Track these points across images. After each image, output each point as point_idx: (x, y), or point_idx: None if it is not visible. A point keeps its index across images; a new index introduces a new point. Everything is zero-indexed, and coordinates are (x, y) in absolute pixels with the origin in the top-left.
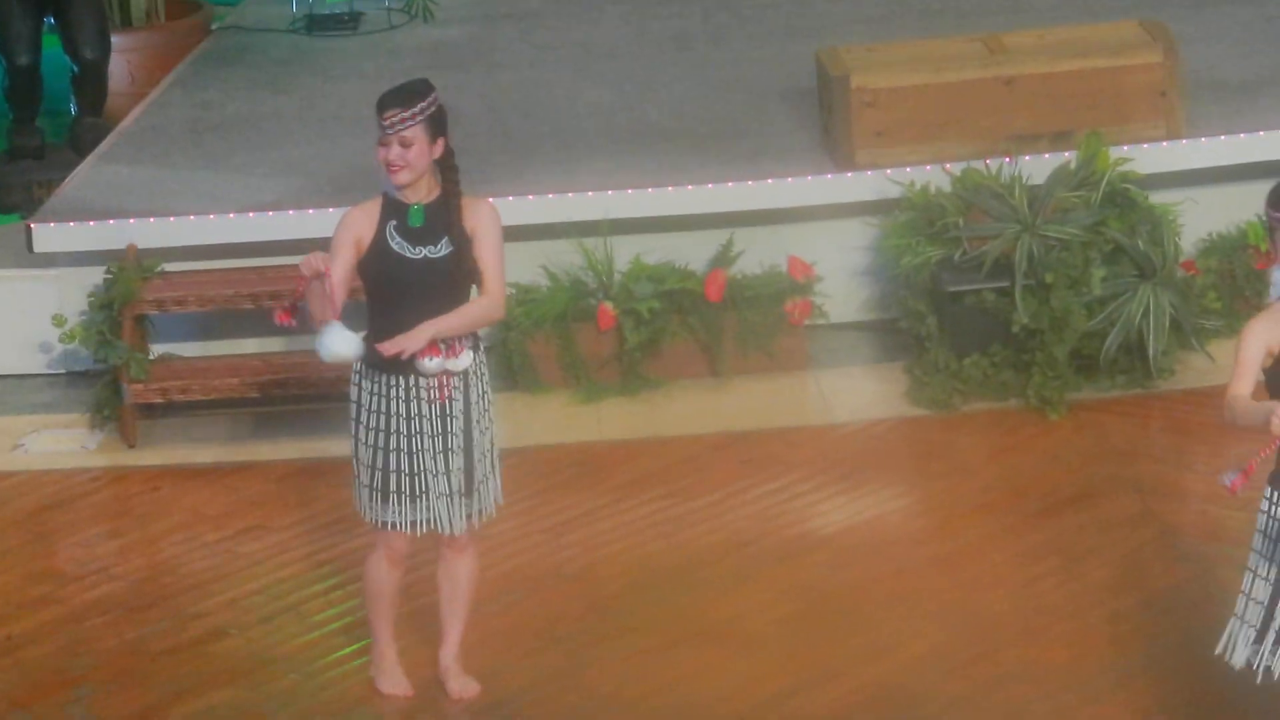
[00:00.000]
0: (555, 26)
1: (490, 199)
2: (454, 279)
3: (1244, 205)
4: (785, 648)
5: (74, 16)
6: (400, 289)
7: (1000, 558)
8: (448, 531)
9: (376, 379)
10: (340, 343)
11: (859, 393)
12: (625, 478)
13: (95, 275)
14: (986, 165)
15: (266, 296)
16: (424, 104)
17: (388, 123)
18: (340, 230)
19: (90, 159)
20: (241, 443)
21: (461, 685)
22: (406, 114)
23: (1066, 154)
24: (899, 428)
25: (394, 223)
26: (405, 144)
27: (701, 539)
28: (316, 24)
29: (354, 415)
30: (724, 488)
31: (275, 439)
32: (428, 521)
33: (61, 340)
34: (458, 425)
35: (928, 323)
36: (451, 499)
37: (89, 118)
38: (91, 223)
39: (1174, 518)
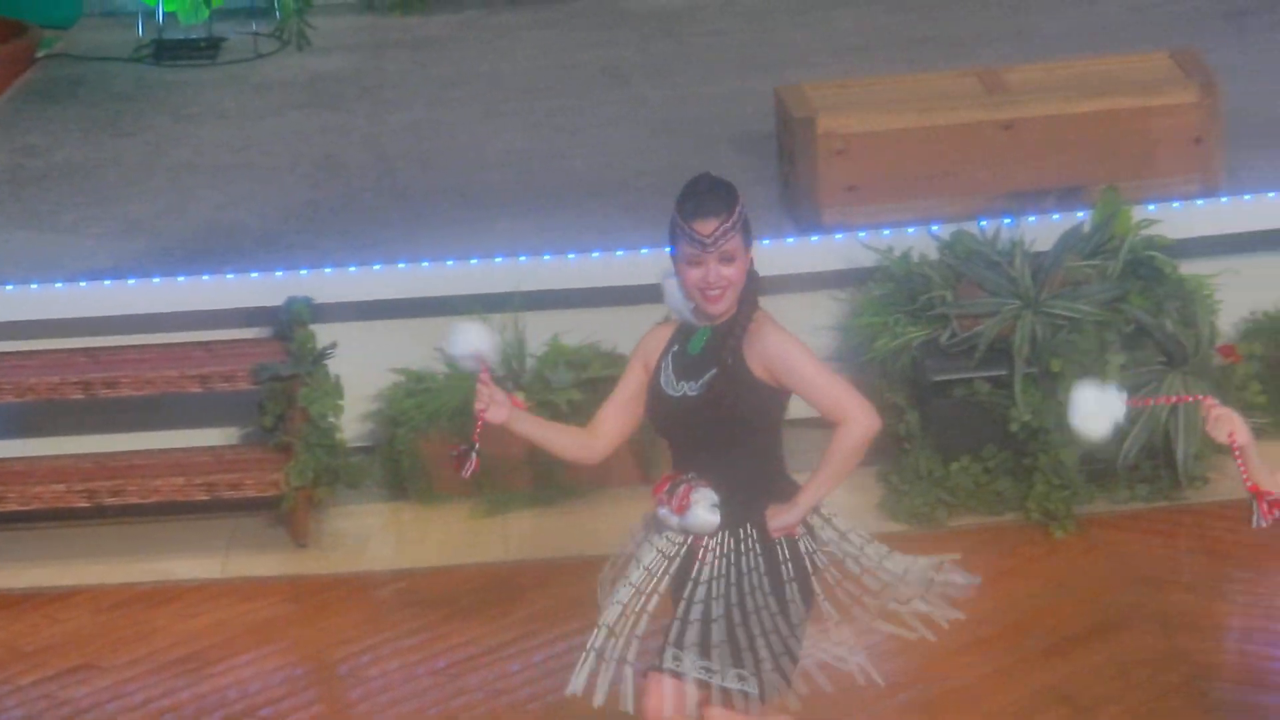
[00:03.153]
0: (459, 57)
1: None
2: (710, 423)
3: None
4: None
5: None
6: (666, 432)
7: (995, 705)
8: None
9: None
10: (469, 337)
11: (823, 504)
12: (538, 607)
13: None
14: (981, 227)
15: (100, 384)
16: (739, 204)
17: (709, 237)
18: (635, 350)
19: None
20: (66, 563)
21: None
22: (729, 221)
23: (1079, 214)
24: None
25: (676, 349)
26: (727, 260)
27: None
28: (167, 51)
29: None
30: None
31: (108, 558)
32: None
33: None
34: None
35: (908, 419)
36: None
37: None
38: None
39: (1207, 659)
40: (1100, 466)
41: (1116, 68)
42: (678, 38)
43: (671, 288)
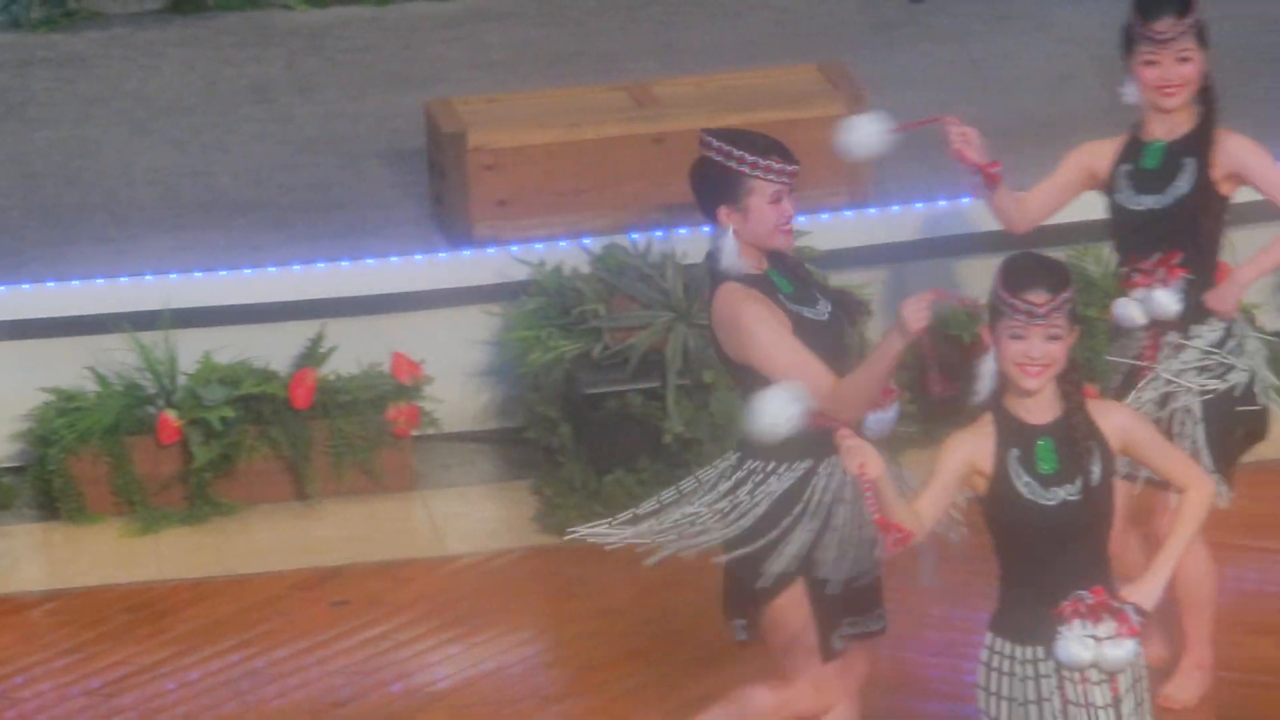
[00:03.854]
0: (105, 74)
1: None
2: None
3: (943, 287)
4: None
5: None
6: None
7: (650, 715)
8: None
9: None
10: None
11: (478, 518)
12: (191, 625)
13: None
14: (633, 240)
15: None
16: None
17: (793, 166)
18: (764, 318)
19: None
20: None
21: None
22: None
23: None
24: (526, 560)
25: (783, 295)
26: (793, 195)
27: (284, 698)
28: None
29: None
30: (312, 635)
31: None
32: None
33: None
34: None
35: (561, 432)
36: None
37: None
38: None
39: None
40: None
41: (765, 81)
42: (326, 54)
43: (729, 244)
